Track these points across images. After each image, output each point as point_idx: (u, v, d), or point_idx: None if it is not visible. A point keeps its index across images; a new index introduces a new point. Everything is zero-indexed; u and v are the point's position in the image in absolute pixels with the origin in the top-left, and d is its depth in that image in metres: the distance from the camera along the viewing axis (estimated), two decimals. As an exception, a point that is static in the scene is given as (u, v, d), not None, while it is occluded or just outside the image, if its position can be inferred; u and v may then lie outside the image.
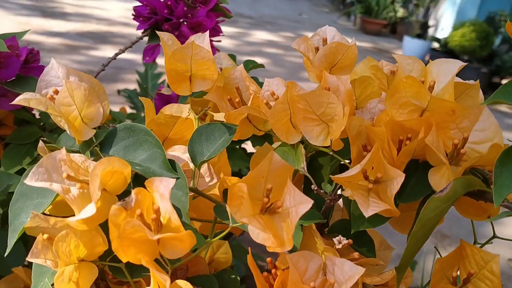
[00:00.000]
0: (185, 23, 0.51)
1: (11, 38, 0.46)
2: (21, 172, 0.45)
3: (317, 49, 0.34)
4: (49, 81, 0.29)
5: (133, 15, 0.52)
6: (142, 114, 1.29)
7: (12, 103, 0.27)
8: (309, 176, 0.29)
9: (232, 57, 0.51)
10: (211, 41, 0.55)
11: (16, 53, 0.45)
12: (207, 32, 0.35)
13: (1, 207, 0.45)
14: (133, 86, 2.70)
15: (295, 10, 6.72)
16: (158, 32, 0.33)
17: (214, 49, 0.55)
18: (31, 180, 0.24)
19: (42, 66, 0.47)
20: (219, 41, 0.55)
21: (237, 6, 6.20)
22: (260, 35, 4.62)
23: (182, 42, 0.51)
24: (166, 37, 0.33)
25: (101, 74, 2.57)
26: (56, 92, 0.28)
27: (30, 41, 3.11)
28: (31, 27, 3.44)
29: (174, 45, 0.33)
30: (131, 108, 1.30)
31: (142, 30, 0.53)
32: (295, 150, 0.31)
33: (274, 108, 0.29)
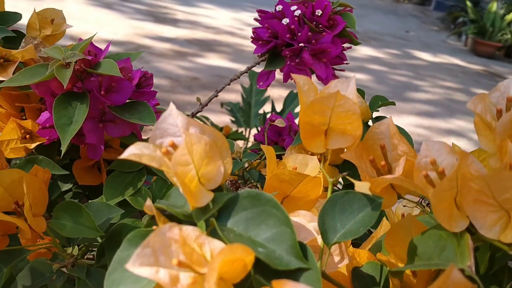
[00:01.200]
0: (307, 49, 0.45)
1: (125, 60, 0.42)
2: (122, 204, 0.42)
3: (499, 111, 0.26)
4: (166, 130, 0.24)
5: (251, 37, 0.47)
6: (240, 130, 1.26)
7: (120, 157, 0.22)
8: (478, 281, 0.22)
9: (361, 92, 0.45)
10: (333, 69, 0.48)
11: (129, 76, 0.42)
12: (354, 78, 0.28)
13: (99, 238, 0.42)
14: (235, 96, 2.72)
15: (402, 27, 6.47)
16: (294, 76, 0.28)
17: (335, 78, 0.48)
18: (135, 265, 0.19)
19: (154, 91, 0.44)
20: (343, 70, 0.49)
21: (342, 19, 6.09)
22: (364, 51, 4.49)
23: (303, 70, 0.46)
24: (302, 82, 0.27)
25: (206, 82, 2.62)
26: (173, 145, 0.23)
27: (142, 45, 3.26)
28: (144, 31, 3.61)
29: (311, 91, 0.27)
30: (232, 122, 1.28)
31: (258, 54, 0.48)
32: (459, 240, 0.23)
33: (440, 187, 0.23)
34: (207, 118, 1.06)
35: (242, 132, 1.20)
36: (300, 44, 0.45)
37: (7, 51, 0.48)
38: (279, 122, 0.51)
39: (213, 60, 3.27)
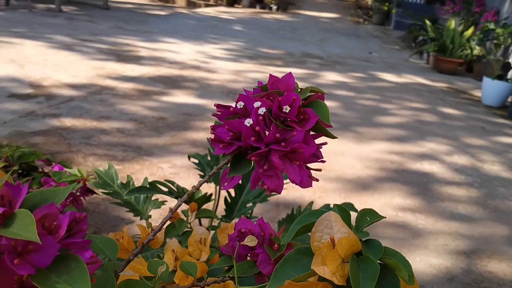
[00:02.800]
0: (276, 151, 0.39)
1: (48, 206, 0.31)
2: None
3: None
4: None
5: (210, 139, 0.42)
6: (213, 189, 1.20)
7: None
8: None
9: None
10: (308, 169, 0.43)
11: (55, 225, 0.30)
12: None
13: None
14: (204, 134, 2.67)
15: (365, 48, 6.57)
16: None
17: (312, 180, 0.43)
18: None
19: (87, 240, 0.31)
20: (319, 170, 0.43)
21: (305, 45, 6.14)
22: (330, 76, 4.51)
23: (273, 176, 0.40)
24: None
25: (173, 121, 2.55)
26: None
27: (104, 86, 3.18)
28: (106, 72, 3.53)
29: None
30: (201, 177, 1.22)
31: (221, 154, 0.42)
32: None
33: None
34: (172, 183, 0.99)
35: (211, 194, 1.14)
36: (269, 146, 0.40)
37: None
38: (250, 240, 0.45)
39: (180, 97, 3.21)
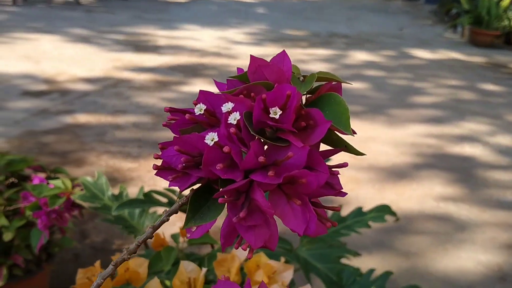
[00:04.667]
0: (261, 184, 0.22)
1: None
2: None
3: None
4: None
5: (155, 166, 0.25)
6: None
7: None
8: None
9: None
10: (317, 207, 0.26)
11: None
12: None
13: None
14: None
15: (395, 25, 6.26)
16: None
17: (325, 226, 0.25)
18: None
19: None
20: (338, 208, 0.26)
21: (331, 25, 5.89)
22: (359, 56, 4.27)
23: (257, 227, 0.23)
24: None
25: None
26: None
27: (121, 79, 3.05)
28: (123, 63, 3.40)
29: None
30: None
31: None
32: None
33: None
34: (173, 191, 0.84)
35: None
36: (250, 173, 0.23)
37: None
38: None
39: (199, 86, 3.06)
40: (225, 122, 0.24)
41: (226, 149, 0.23)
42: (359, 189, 1.90)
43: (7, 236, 0.90)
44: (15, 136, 2.13)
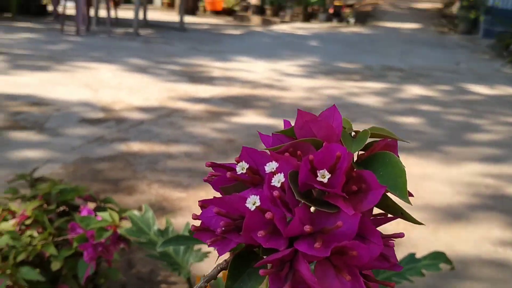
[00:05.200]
0: (306, 255, 0.20)
1: None
2: None
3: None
4: None
5: (193, 228, 0.24)
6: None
7: None
8: None
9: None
10: (371, 280, 0.23)
11: None
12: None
13: None
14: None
15: (451, 59, 6.12)
16: None
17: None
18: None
19: None
20: (392, 285, 0.23)
21: (384, 58, 5.83)
22: (413, 90, 4.18)
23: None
24: None
25: (242, 143, 2.39)
26: None
27: (175, 109, 3.12)
28: (178, 94, 3.49)
29: None
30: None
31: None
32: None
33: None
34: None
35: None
36: (295, 240, 0.22)
37: None
38: None
39: (250, 117, 3.08)
40: (269, 183, 0.23)
41: (268, 215, 0.21)
42: (412, 230, 1.82)
43: (55, 266, 0.91)
44: (71, 162, 2.21)
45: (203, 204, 0.25)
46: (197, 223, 0.25)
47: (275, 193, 0.22)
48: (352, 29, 9.09)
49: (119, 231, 0.81)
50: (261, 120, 3.04)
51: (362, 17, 10.42)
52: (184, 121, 2.91)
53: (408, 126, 3.11)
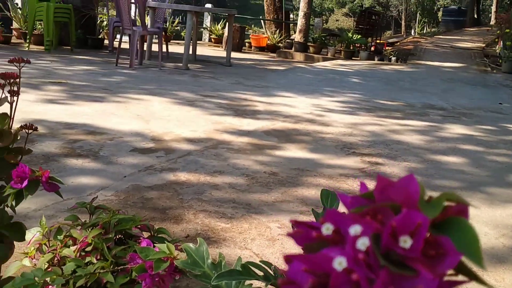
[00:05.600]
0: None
1: None
2: None
3: None
4: None
5: (280, 283, 0.29)
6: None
7: None
8: None
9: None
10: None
11: None
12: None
13: None
14: (316, 191, 2.57)
15: (494, 98, 6.06)
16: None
17: None
18: None
19: None
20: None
21: (426, 96, 5.85)
22: (455, 129, 4.18)
23: None
24: None
25: (284, 177, 2.49)
26: None
27: (221, 140, 3.25)
28: (223, 126, 3.63)
29: None
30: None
31: None
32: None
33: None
34: (269, 265, 0.90)
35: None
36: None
37: None
38: None
39: (292, 151, 3.17)
40: (353, 245, 0.26)
41: (355, 277, 0.25)
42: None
43: (111, 293, 1.01)
44: (122, 190, 2.35)
45: (289, 258, 0.29)
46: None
47: (361, 255, 0.26)
48: (394, 66, 9.14)
49: (175, 263, 0.91)
50: (302, 154, 3.12)
51: (404, 55, 10.46)
52: (229, 153, 3.03)
53: (450, 166, 3.13)
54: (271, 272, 0.85)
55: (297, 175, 2.74)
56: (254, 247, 1.88)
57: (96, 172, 2.55)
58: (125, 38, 6.76)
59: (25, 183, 0.78)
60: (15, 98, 1.14)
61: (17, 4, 8.52)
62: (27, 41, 7.27)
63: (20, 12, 8.28)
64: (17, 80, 1.17)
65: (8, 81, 1.18)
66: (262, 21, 13.36)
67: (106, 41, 8.40)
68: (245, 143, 3.28)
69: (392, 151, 3.37)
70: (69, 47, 7.26)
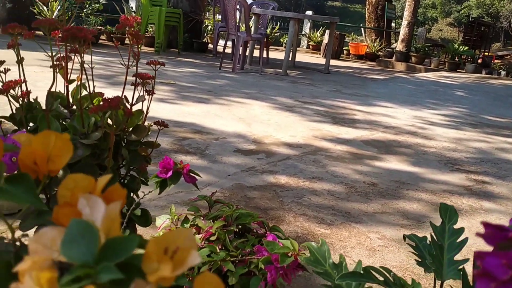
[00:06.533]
0: None
1: None
2: None
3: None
4: None
5: (476, 274, 0.32)
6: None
7: None
8: None
9: None
10: None
11: None
12: None
13: None
14: (417, 205, 2.52)
15: None
16: None
17: None
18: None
19: None
20: None
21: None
22: None
23: None
24: None
25: (384, 188, 2.46)
26: None
27: (319, 147, 3.28)
28: (322, 133, 3.65)
29: None
30: (418, 263, 1.10)
31: None
32: None
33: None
34: (389, 271, 0.92)
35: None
36: None
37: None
38: None
39: (392, 163, 3.12)
40: None
41: None
42: None
43: (232, 281, 1.08)
44: (227, 188, 2.46)
45: (480, 255, 0.32)
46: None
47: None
48: (503, 81, 8.60)
49: (299, 259, 0.96)
50: (403, 167, 3.06)
51: (516, 69, 9.80)
52: (327, 160, 3.05)
53: None
54: (391, 278, 0.87)
55: (398, 187, 2.69)
56: (353, 255, 1.90)
57: (203, 169, 2.69)
58: (227, 43, 7.02)
59: (170, 173, 0.87)
60: (148, 96, 1.27)
61: (132, 8, 9.17)
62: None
63: (134, 15, 8.89)
64: (152, 80, 1.30)
65: (143, 81, 1.32)
66: (362, 29, 13.19)
67: (210, 45, 8.76)
68: (343, 151, 3.28)
69: (500, 170, 3.20)
70: (177, 50, 7.67)
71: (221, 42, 8.48)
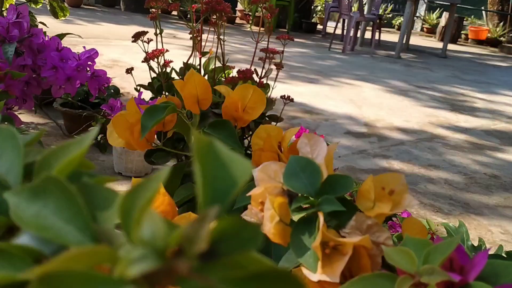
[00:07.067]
0: None
1: None
2: None
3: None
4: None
5: None
6: None
7: None
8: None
9: None
10: None
11: None
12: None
13: None
14: None
15: None
16: None
17: None
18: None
19: None
20: None
21: None
22: None
23: None
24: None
25: (507, 181, 2.27)
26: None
27: (435, 134, 3.11)
28: (438, 120, 3.46)
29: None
30: None
31: None
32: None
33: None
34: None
35: None
36: None
37: (337, 239, 0.32)
38: None
39: (517, 156, 2.87)
40: None
41: None
42: None
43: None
44: (339, 169, 2.41)
45: None
46: None
47: None
48: None
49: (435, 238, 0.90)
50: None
51: None
52: (444, 148, 2.88)
53: None
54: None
55: None
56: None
57: (312, 148, 2.67)
58: (339, 24, 6.86)
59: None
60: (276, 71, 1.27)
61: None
62: (250, 22, 7.89)
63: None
64: (279, 54, 1.30)
65: (271, 55, 1.32)
66: (483, 12, 12.24)
67: (319, 26, 8.65)
68: (462, 140, 3.08)
69: None
70: (286, 30, 7.67)
71: (330, 24, 8.33)
